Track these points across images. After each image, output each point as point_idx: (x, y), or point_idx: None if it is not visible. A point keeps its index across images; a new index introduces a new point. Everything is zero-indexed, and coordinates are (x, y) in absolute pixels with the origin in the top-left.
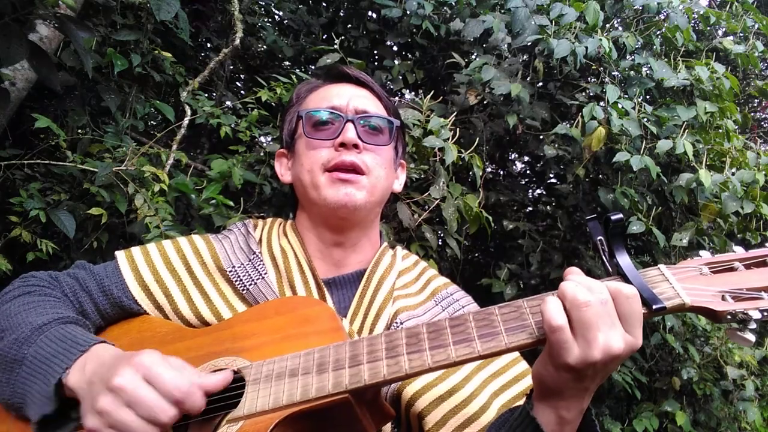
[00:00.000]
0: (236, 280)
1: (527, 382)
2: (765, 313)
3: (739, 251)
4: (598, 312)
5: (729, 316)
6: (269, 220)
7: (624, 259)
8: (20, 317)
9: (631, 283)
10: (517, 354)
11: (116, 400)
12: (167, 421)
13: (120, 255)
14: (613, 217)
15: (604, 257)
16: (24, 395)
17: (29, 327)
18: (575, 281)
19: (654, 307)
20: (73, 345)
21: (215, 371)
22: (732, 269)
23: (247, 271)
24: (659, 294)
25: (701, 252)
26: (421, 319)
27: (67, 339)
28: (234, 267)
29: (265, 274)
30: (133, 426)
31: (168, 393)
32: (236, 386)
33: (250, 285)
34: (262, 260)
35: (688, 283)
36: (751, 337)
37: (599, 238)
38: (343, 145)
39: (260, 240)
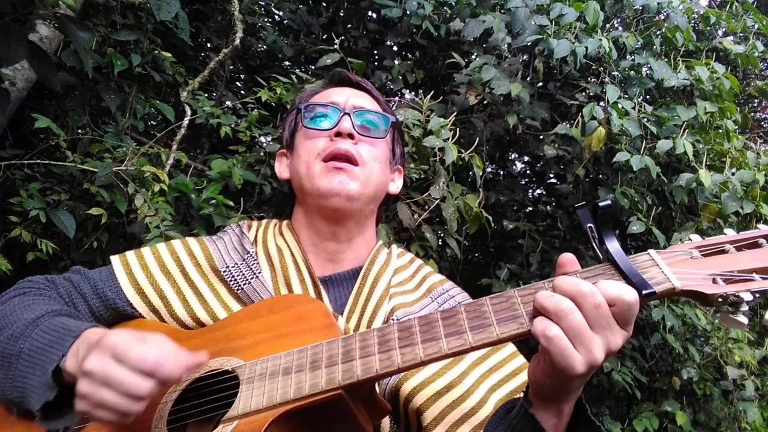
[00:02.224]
0: (230, 280)
1: (524, 376)
2: (757, 295)
3: (730, 233)
4: (592, 317)
5: (720, 299)
6: (265, 221)
7: (613, 245)
8: (14, 316)
9: (620, 268)
10: (514, 348)
11: (91, 383)
12: (145, 393)
13: (114, 259)
14: (601, 204)
15: (594, 244)
16: (23, 389)
17: (23, 323)
18: (565, 283)
19: (644, 292)
20: (66, 333)
21: (209, 372)
22: (723, 252)
23: (241, 271)
24: (649, 279)
25: (692, 235)
26: (417, 315)
27: (60, 328)
28: (228, 267)
29: (260, 272)
30: (114, 403)
31: (137, 366)
32: (232, 386)
33: (245, 284)
34: (256, 259)
35: (678, 267)
36: (744, 320)
37: (589, 225)
38: (339, 135)
39: (255, 240)
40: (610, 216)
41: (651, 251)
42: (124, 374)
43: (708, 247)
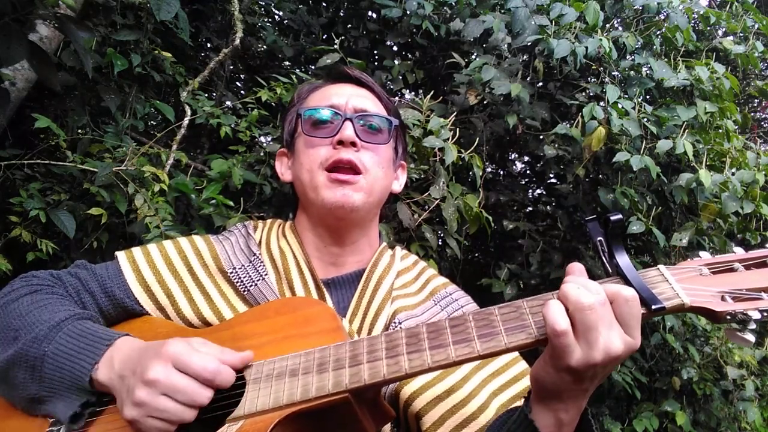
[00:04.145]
0: (237, 281)
1: (526, 381)
2: (765, 314)
3: (739, 252)
4: (599, 314)
5: (728, 317)
6: (269, 221)
7: (623, 260)
8: (33, 316)
9: (630, 283)
10: (516, 354)
11: (152, 391)
12: (205, 401)
13: (121, 255)
14: (612, 218)
15: (603, 258)
16: (51, 390)
17: (46, 325)
18: (576, 283)
19: (653, 307)
20: (96, 340)
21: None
22: (732, 270)
23: (248, 272)
24: (658, 294)
25: (701, 253)
26: (419, 318)
27: (87, 335)
28: (235, 268)
29: (266, 275)
30: (173, 411)
31: (199, 375)
32: (238, 386)
33: (251, 286)
34: (262, 261)
35: (687, 283)
36: (751, 338)
37: (599, 238)
38: (341, 143)
39: (260, 241)
40: (620, 229)
41: (661, 267)
42: (188, 383)
43: (717, 265)
